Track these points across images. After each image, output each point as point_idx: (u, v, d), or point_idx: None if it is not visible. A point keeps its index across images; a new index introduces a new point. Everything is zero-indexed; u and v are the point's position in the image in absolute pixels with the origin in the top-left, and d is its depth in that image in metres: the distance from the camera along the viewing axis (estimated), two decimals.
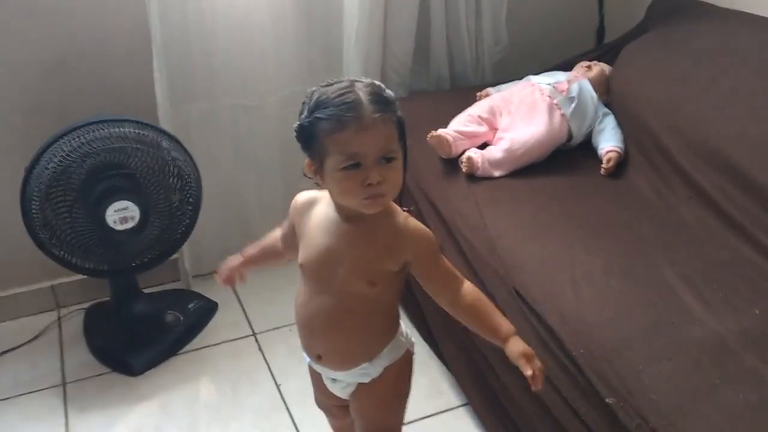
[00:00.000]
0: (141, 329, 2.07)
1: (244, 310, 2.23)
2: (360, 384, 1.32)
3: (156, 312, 2.12)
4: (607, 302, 1.40)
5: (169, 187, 1.89)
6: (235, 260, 1.40)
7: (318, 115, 1.10)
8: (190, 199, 1.94)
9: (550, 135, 1.88)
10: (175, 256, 2.18)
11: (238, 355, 2.06)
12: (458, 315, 1.25)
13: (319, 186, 1.20)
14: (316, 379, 1.41)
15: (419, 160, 1.92)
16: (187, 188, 1.92)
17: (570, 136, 1.94)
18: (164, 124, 1.99)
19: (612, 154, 1.86)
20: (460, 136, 1.89)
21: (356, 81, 1.13)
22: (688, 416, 1.17)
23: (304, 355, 1.36)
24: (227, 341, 2.12)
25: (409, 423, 1.60)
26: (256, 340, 2.10)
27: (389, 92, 1.14)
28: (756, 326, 1.31)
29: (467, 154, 1.84)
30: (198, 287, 2.30)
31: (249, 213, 2.32)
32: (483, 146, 1.91)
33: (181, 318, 2.13)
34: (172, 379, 1.98)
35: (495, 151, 1.85)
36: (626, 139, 1.91)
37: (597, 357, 1.29)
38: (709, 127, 1.72)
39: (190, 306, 2.18)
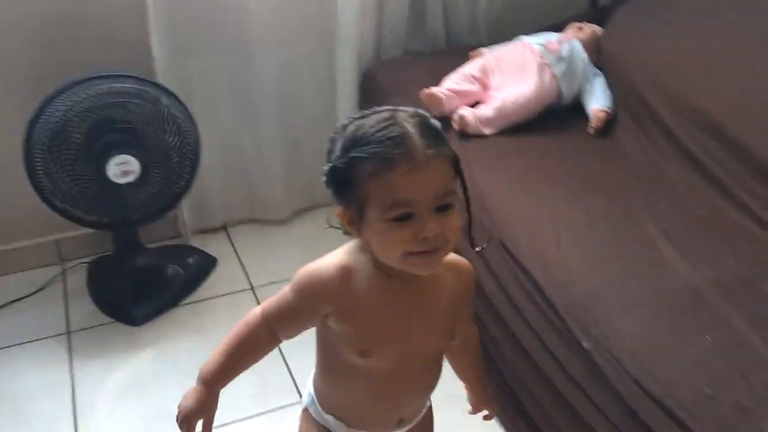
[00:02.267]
0: (143, 282, 2.13)
1: (242, 265, 2.29)
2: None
3: (157, 266, 2.18)
4: (588, 253, 1.46)
5: (168, 143, 1.94)
6: (191, 406, 1.00)
7: (356, 154, 0.89)
8: (189, 155, 1.98)
9: (540, 94, 1.92)
10: (175, 211, 2.23)
11: (236, 308, 2.12)
12: (453, 352, 1.17)
13: (349, 236, 0.98)
14: None
15: None
16: (185, 144, 1.96)
17: (560, 96, 1.98)
18: (162, 78, 2.02)
19: (601, 114, 1.90)
20: (452, 94, 1.92)
21: (397, 110, 0.93)
22: (661, 360, 1.22)
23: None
24: (226, 294, 2.17)
25: None
26: (254, 294, 2.16)
27: (435, 121, 0.95)
28: (730, 277, 1.37)
29: (459, 112, 1.88)
30: (198, 242, 2.36)
31: (249, 167, 2.35)
32: (475, 105, 1.95)
33: (182, 271, 2.19)
34: (172, 329, 2.04)
35: (486, 110, 1.89)
36: (615, 99, 1.95)
37: (576, 303, 1.35)
38: (695, 87, 1.76)
39: (190, 260, 2.24)
